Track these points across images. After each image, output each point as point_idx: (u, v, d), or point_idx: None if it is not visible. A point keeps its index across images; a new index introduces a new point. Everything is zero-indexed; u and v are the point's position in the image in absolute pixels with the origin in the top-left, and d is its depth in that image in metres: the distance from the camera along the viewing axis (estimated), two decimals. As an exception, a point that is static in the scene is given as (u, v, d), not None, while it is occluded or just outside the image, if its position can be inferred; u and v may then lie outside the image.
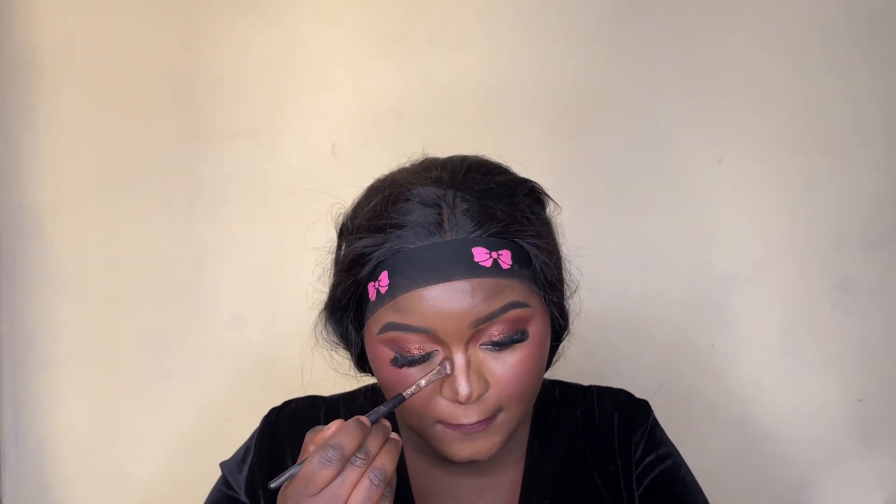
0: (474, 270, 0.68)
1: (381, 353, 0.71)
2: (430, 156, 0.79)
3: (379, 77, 1.28)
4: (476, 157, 0.77)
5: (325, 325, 0.78)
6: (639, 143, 1.28)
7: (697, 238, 1.29)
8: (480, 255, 0.68)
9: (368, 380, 0.87)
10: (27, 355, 1.27)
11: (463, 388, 0.68)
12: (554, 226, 0.77)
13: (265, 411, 0.87)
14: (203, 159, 1.27)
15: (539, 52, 1.28)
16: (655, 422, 0.86)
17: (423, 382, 0.68)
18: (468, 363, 0.69)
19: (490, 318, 0.68)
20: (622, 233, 1.28)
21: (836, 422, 1.29)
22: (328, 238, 0.79)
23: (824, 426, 1.29)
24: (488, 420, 0.71)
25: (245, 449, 0.84)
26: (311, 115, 1.28)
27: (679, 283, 1.29)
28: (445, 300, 0.67)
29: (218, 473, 0.85)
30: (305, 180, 1.27)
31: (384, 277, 0.69)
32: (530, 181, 0.77)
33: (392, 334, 0.69)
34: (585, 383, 0.90)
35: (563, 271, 0.77)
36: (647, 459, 0.83)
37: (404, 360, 0.70)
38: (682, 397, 1.28)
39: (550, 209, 0.78)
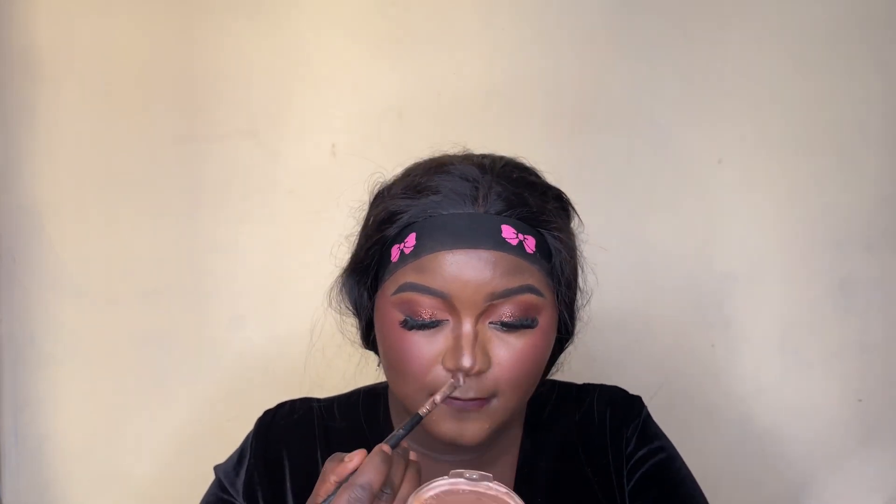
0: (500, 244, 0.70)
1: (391, 316, 0.72)
2: (468, 151, 0.81)
3: (379, 77, 1.28)
4: (513, 158, 0.80)
5: (341, 289, 0.79)
6: (639, 143, 1.28)
7: (697, 238, 1.29)
8: (508, 232, 0.70)
9: (363, 382, 0.87)
10: (27, 355, 1.27)
11: (466, 359, 0.69)
12: (576, 237, 0.79)
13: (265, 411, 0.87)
14: (203, 159, 1.27)
15: (539, 52, 1.28)
16: (648, 416, 0.86)
17: (437, 398, 0.68)
18: (475, 336, 0.70)
19: (506, 295, 0.70)
20: (622, 233, 1.28)
21: (836, 422, 1.29)
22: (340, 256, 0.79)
23: (824, 426, 1.29)
24: (482, 401, 0.71)
25: (240, 452, 0.84)
26: (311, 115, 1.28)
27: (679, 283, 1.29)
28: (467, 266, 0.69)
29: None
30: (306, 180, 1.27)
31: (411, 239, 0.71)
32: (561, 191, 0.79)
33: (408, 295, 0.70)
34: (579, 382, 0.90)
35: (579, 278, 0.78)
36: (640, 453, 0.83)
37: (414, 324, 0.71)
38: (682, 397, 1.28)
39: (575, 223, 0.79)
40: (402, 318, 0.71)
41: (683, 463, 0.86)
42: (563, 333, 0.79)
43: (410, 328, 0.71)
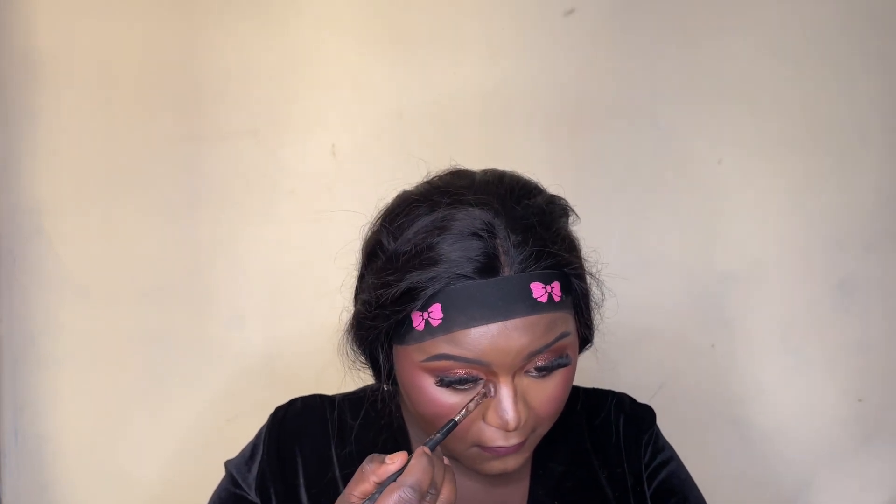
0: (533, 307, 0.68)
1: (421, 379, 0.71)
2: (456, 166, 0.78)
3: (379, 77, 1.28)
4: (510, 175, 0.76)
5: (352, 347, 0.77)
6: (639, 143, 1.28)
7: (697, 238, 1.29)
8: (538, 290, 0.69)
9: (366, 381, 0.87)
10: (27, 355, 1.27)
11: (511, 418, 0.69)
12: (578, 240, 0.78)
13: (265, 411, 0.86)
14: (203, 159, 1.27)
15: (539, 52, 1.28)
16: (657, 426, 0.88)
17: (471, 406, 0.69)
18: (515, 392, 0.70)
19: (543, 350, 0.69)
20: (622, 233, 1.28)
21: (836, 422, 1.29)
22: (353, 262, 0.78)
23: (824, 426, 1.29)
24: (524, 441, 0.72)
25: (252, 447, 0.84)
26: (311, 116, 1.28)
27: (679, 283, 1.29)
28: (505, 337, 0.68)
29: (220, 473, 0.84)
30: (305, 180, 1.27)
31: (437, 310, 0.68)
32: (560, 199, 0.77)
33: (443, 363, 0.69)
34: (585, 384, 0.90)
35: (590, 289, 0.78)
36: (654, 463, 0.85)
37: (451, 381, 0.70)
38: (682, 397, 1.28)
39: (571, 220, 0.78)
40: (435, 379, 0.70)
41: (686, 468, 0.88)
42: (581, 341, 0.79)
43: (447, 385, 0.70)
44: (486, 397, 0.69)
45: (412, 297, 0.69)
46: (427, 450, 0.65)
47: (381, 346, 0.74)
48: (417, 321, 0.69)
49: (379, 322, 0.72)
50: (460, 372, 0.69)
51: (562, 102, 1.28)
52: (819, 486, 1.29)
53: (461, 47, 1.28)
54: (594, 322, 0.79)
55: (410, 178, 0.79)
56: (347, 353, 0.78)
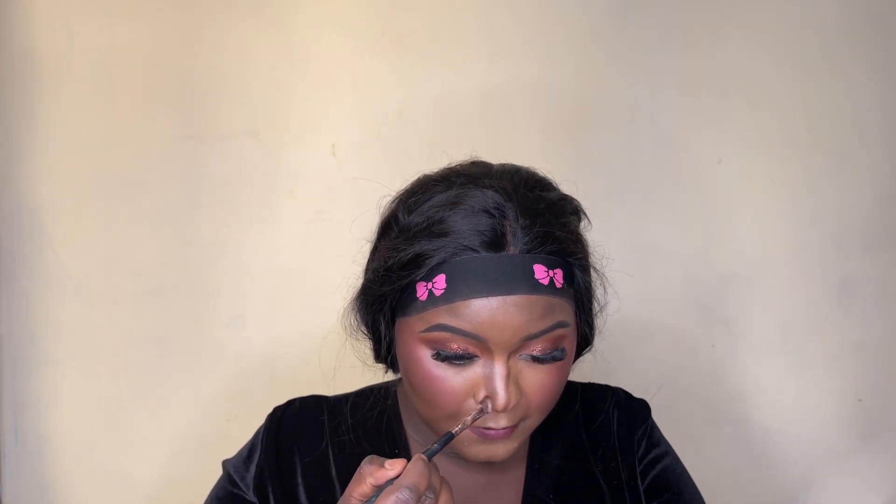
0: (535, 287, 0.70)
1: (420, 351, 0.72)
2: (477, 157, 0.80)
3: (379, 77, 1.28)
4: (526, 169, 0.79)
5: (356, 315, 0.79)
6: (639, 143, 1.28)
7: (697, 238, 1.29)
8: (540, 272, 0.70)
9: (368, 381, 0.87)
10: (27, 355, 1.27)
11: (501, 398, 0.70)
12: (588, 243, 0.79)
13: (265, 411, 0.87)
14: (203, 159, 1.27)
15: (539, 52, 1.29)
16: (653, 420, 0.89)
17: (468, 420, 0.70)
18: (508, 373, 0.70)
19: (539, 335, 0.70)
20: (622, 233, 1.28)
21: (836, 422, 1.29)
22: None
23: (824, 426, 1.29)
24: (513, 427, 0.73)
25: (250, 447, 0.84)
26: (311, 116, 1.28)
27: (679, 283, 1.29)
28: (504, 313, 0.69)
29: (219, 473, 0.85)
30: (305, 180, 1.27)
31: (441, 281, 0.70)
32: (572, 199, 0.78)
33: (441, 335, 0.70)
34: (582, 381, 0.90)
35: (596, 290, 0.79)
36: (649, 457, 0.86)
37: (446, 356, 0.71)
38: (682, 397, 1.28)
39: (583, 225, 0.80)
40: (432, 352, 0.71)
41: (681, 462, 0.89)
42: (581, 341, 0.80)
43: (443, 360, 0.71)
44: (484, 413, 0.70)
45: (418, 265, 0.71)
46: (424, 457, 0.66)
47: (383, 317, 0.76)
48: (421, 291, 0.71)
49: (385, 287, 0.73)
50: (456, 346, 0.70)
51: (562, 102, 1.28)
52: (819, 486, 1.29)
53: (461, 47, 1.28)
54: (595, 321, 0.80)
55: (413, 176, 0.80)
56: (350, 322, 0.79)
